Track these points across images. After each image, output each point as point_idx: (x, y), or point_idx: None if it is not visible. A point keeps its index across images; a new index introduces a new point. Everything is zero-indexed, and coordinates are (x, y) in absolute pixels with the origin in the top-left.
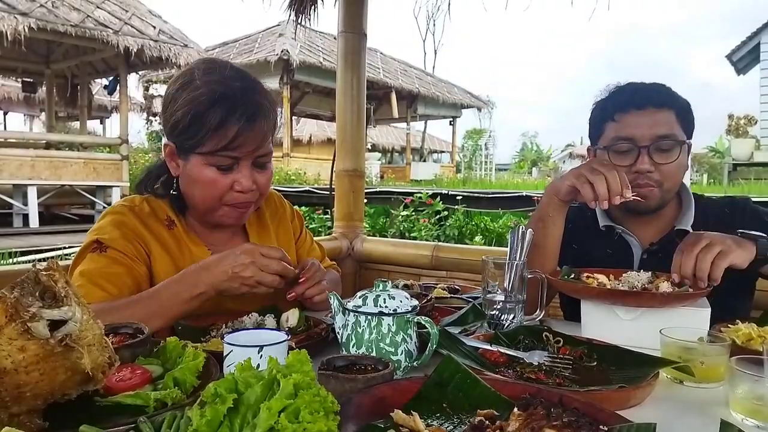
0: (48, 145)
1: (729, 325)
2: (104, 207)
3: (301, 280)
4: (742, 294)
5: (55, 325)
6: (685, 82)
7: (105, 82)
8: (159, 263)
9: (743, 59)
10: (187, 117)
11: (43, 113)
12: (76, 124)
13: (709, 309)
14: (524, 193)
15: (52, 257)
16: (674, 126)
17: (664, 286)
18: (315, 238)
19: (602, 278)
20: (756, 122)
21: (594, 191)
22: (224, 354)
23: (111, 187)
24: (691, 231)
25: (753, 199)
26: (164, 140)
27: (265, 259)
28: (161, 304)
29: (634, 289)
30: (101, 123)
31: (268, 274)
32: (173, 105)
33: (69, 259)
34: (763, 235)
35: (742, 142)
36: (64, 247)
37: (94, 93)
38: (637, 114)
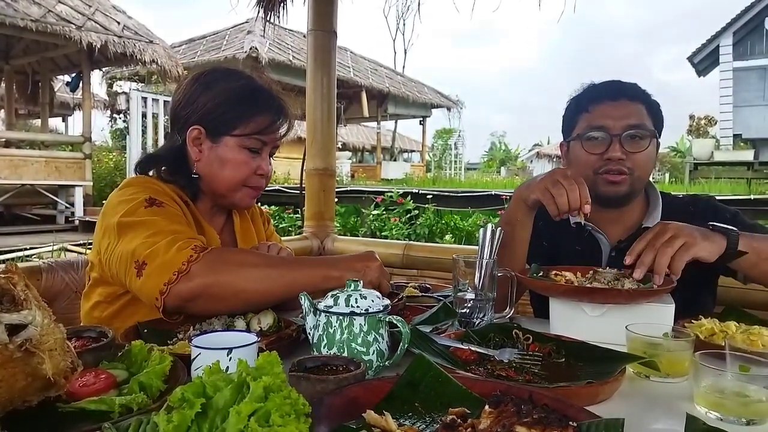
0: (8, 144)
1: (692, 321)
2: (66, 207)
3: None
4: (705, 290)
5: (14, 329)
6: (646, 83)
7: (67, 78)
8: None
9: (703, 61)
10: (228, 103)
11: (2, 110)
12: (37, 122)
13: (674, 305)
14: (493, 192)
15: (12, 259)
16: (645, 118)
17: (629, 283)
18: (285, 238)
19: (570, 276)
20: (716, 123)
21: (557, 206)
22: (192, 357)
23: (73, 186)
24: None
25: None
26: (164, 127)
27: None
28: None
29: (601, 286)
30: (63, 121)
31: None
32: (206, 93)
33: (30, 260)
34: (734, 228)
35: (702, 142)
36: (25, 248)
37: (56, 90)
38: (610, 105)
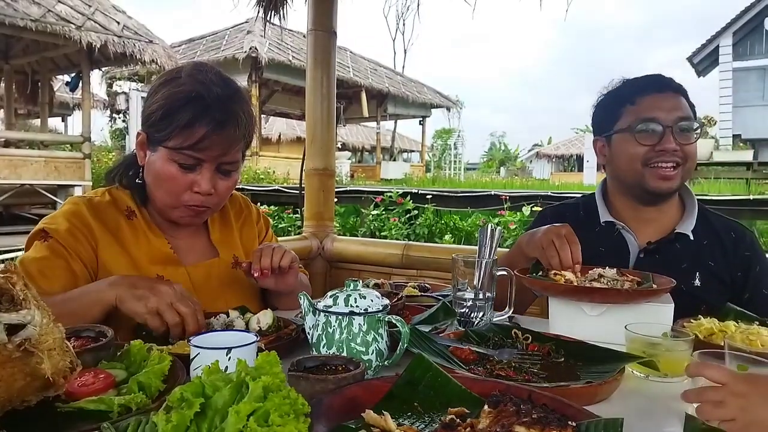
0: (7, 143)
1: (692, 320)
2: None
3: (254, 272)
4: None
5: (13, 329)
6: None
7: (67, 78)
8: (107, 252)
9: (703, 62)
10: (161, 110)
11: (2, 110)
12: (37, 122)
13: (673, 305)
14: (492, 192)
15: (11, 259)
16: (689, 111)
17: (629, 283)
18: (284, 238)
19: (569, 275)
20: (715, 123)
21: (550, 264)
22: (191, 357)
23: (73, 186)
24: (691, 236)
25: (713, 198)
26: (138, 129)
27: (182, 302)
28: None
29: (600, 286)
30: (63, 120)
31: (175, 315)
32: (153, 97)
33: None
34: None
35: (702, 143)
36: (25, 249)
37: (55, 89)
38: (658, 96)
